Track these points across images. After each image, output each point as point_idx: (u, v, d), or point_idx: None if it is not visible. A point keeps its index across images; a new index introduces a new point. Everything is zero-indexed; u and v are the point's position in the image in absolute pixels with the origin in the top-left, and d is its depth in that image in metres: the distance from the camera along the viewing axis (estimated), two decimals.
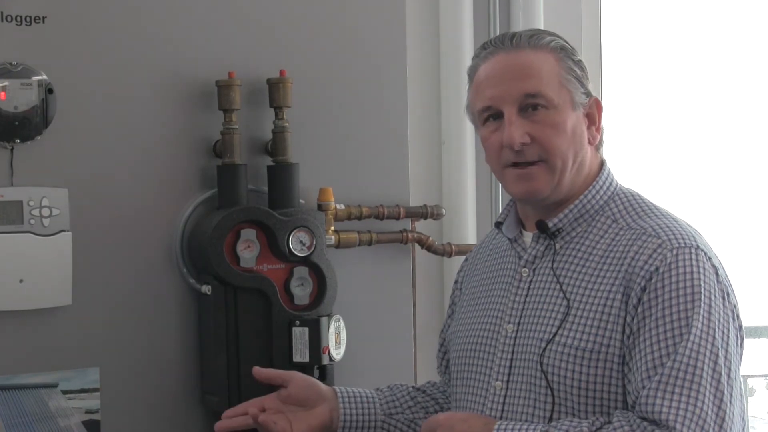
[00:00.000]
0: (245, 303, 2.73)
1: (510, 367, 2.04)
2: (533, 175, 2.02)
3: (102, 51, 2.70)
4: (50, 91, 2.61)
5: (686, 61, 4.62)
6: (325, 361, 2.74)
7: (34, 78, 2.60)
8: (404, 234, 3.05)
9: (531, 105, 2.00)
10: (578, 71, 2.03)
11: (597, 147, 2.09)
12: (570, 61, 2.03)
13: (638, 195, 2.09)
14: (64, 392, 2.67)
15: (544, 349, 1.98)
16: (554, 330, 1.98)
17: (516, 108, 2.00)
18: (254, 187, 2.83)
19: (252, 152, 2.84)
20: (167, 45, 2.77)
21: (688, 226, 2.02)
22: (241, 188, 2.77)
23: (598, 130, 2.06)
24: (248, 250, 2.73)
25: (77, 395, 2.68)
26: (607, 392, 1.95)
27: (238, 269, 2.72)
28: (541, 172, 2.02)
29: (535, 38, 2.02)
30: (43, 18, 2.62)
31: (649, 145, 4.59)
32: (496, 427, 1.95)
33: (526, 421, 1.98)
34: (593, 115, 2.04)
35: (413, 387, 2.37)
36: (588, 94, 2.04)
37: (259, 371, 2.30)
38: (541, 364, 1.98)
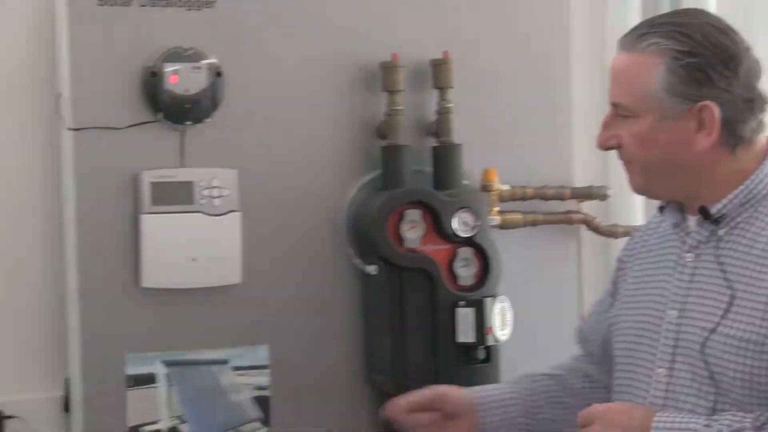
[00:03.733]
0: (410, 283, 2.74)
1: (673, 354, 1.97)
2: (629, 174, 2.02)
3: (269, 35, 2.75)
4: (219, 74, 2.67)
5: None
6: (490, 341, 2.72)
7: (204, 61, 2.66)
8: (570, 215, 3.03)
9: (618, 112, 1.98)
10: (684, 76, 1.90)
11: (733, 146, 1.94)
12: (677, 66, 1.90)
13: None
14: (235, 369, 2.73)
15: (707, 339, 1.90)
16: (717, 320, 1.90)
17: (613, 111, 1.99)
18: (418, 168, 2.83)
19: (416, 133, 2.84)
20: (332, 28, 2.80)
21: None
22: (405, 169, 2.78)
23: (709, 134, 1.90)
24: (412, 230, 2.74)
25: (247, 372, 2.74)
26: None
27: (403, 250, 2.73)
28: (632, 172, 2.01)
29: (640, 39, 1.93)
30: (213, 2, 2.68)
31: None
32: (656, 418, 1.87)
33: (689, 411, 1.90)
34: (703, 120, 1.91)
35: (549, 378, 2.29)
36: (696, 98, 1.90)
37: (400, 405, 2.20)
38: (704, 354, 1.90)
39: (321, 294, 2.81)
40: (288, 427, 2.78)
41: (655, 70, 1.91)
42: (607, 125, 2.00)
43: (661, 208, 2.11)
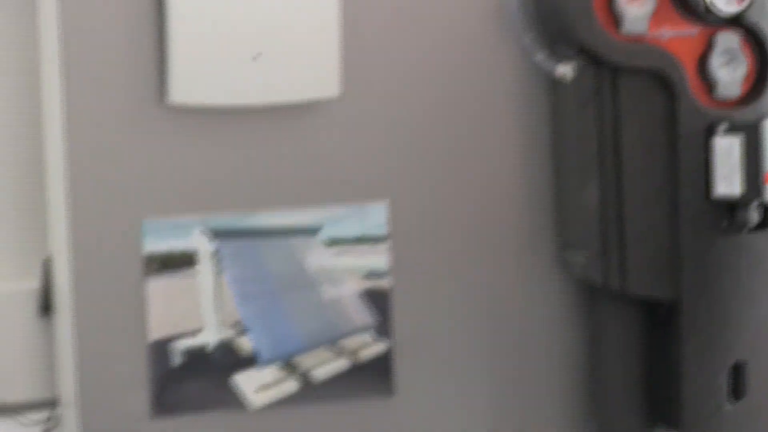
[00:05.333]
0: (630, 94, 2.08)
1: None
2: None
3: None
4: None
5: None
6: None
7: None
8: None
9: None
10: None
11: None
12: None
13: None
14: (330, 242, 2.01)
15: None
16: None
17: None
18: None
19: None
20: None
21: None
22: None
23: None
24: (636, 5, 2.07)
25: (352, 247, 2.04)
26: None
27: (619, 38, 2.08)
28: None
29: None
30: None
31: None
32: None
33: None
34: None
35: None
36: None
37: None
38: None
39: (480, 109, 2.11)
40: (418, 339, 2.08)
41: None
42: None
43: None
